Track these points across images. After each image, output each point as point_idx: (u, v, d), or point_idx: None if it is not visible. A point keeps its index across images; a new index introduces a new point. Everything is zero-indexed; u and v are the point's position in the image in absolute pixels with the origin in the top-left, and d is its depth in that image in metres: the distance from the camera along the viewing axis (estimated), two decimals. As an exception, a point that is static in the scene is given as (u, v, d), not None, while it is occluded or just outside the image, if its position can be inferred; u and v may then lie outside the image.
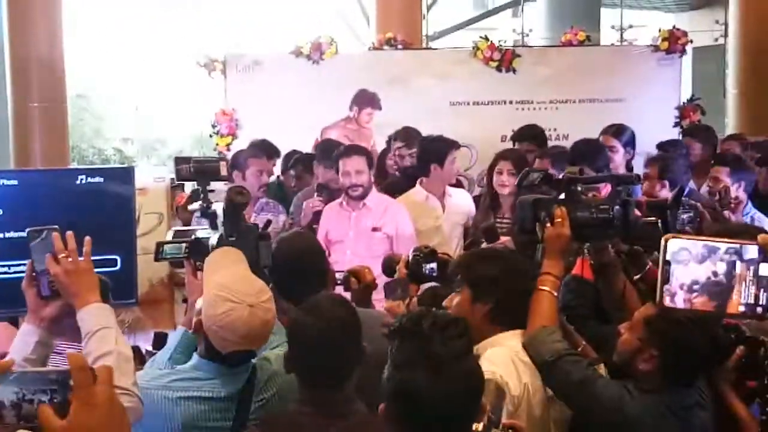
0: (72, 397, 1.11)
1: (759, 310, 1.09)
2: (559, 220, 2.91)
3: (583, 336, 2.96)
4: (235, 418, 2.72)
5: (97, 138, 20.72)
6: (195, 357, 2.83)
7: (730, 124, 10.51)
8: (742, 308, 1.10)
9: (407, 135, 6.45)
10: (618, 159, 6.02)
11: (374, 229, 5.23)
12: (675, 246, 1.11)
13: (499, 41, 7.98)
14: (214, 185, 3.39)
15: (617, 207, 2.95)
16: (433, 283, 3.58)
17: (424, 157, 5.67)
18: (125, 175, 5.12)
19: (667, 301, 1.11)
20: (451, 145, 5.71)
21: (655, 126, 7.77)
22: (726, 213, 4.63)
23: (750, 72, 10.21)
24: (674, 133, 7.83)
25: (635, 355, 2.63)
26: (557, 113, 7.81)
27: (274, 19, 17.43)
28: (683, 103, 8.01)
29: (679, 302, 1.11)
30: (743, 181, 5.08)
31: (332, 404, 2.58)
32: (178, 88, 15.52)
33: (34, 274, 2.48)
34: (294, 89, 7.67)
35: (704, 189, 5.37)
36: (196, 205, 3.25)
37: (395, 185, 6.05)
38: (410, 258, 3.58)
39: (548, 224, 2.91)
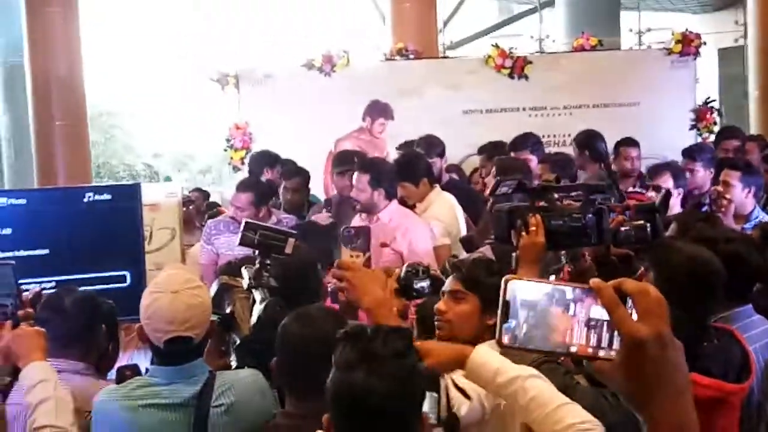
0: None
1: (590, 350, 1.14)
2: (534, 228, 2.91)
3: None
4: (194, 424, 2.75)
5: (128, 154, 20.97)
6: (150, 366, 2.90)
7: (752, 125, 10.39)
8: (574, 349, 1.15)
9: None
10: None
11: (383, 245, 5.16)
12: (514, 287, 1.15)
13: (510, 48, 7.97)
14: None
15: (590, 215, 2.95)
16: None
17: None
18: (132, 192, 5.22)
19: (505, 340, 1.15)
20: None
21: (670, 129, 7.74)
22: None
23: (770, 73, 10.10)
24: (690, 136, 7.79)
25: (570, 357, 2.61)
26: (571, 119, 7.79)
27: (287, 31, 17.53)
28: (699, 105, 7.94)
29: (519, 341, 1.16)
30: (753, 186, 5.03)
31: (317, 416, 2.59)
32: (204, 103, 15.67)
33: None
34: (306, 101, 7.74)
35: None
36: (246, 275, 3.28)
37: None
38: (402, 273, 3.58)
39: (523, 232, 2.91)
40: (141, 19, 18.65)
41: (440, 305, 3.01)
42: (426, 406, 2.33)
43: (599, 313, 1.14)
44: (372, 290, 2.67)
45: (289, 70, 7.92)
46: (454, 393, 2.55)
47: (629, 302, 1.14)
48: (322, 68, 7.76)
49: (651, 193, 4.67)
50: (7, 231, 4.68)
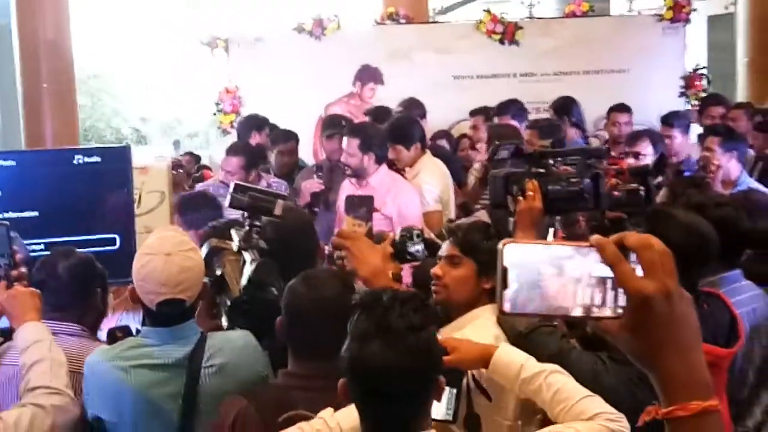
0: None
1: (594, 311, 1.11)
2: (531, 193, 2.92)
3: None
4: (186, 384, 2.77)
5: (116, 118, 20.83)
6: (143, 328, 2.91)
7: (740, 93, 10.40)
8: (579, 310, 1.12)
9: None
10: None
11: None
12: (513, 251, 1.12)
13: (502, 14, 7.93)
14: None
15: (587, 180, 2.96)
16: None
17: None
18: (122, 154, 5.18)
19: (507, 308, 1.12)
20: None
21: (660, 96, 7.75)
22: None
23: (759, 41, 10.08)
24: (680, 103, 7.79)
25: (573, 320, 2.64)
26: (561, 85, 7.78)
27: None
28: (688, 72, 7.94)
29: (520, 307, 1.13)
30: (735, 151, 5.06)
31: (321, 377, 2.61)
32: (193, 66, 15.55)
33: None
34: (296, 66, 7.71)
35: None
36: (236, 237, 3.29)
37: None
38: (397, 237, 3.60)
39: (520, 197, 2.93)
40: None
41: (437, 270, 3.03)
42: (443, 402, 2.36)
43: (602, 270, 1.10)
44: (371, 260, 2.69)
45: (280, 34, 7.87)
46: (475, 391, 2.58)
47: (632, 257, 1.10)
48: (312, 32, 7.73)
49: (630, 160, 4.68)
50: (-3, 193, 4.67)
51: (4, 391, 2.93)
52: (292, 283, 2.72)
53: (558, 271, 1.11)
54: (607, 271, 1.10)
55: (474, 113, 6.91)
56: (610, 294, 1.10)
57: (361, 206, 3.22)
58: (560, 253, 1.12)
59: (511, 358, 2.47)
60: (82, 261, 3.39)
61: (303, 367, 2.63)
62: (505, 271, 1.11)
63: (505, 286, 1.11)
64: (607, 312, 1.11)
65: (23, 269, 2.69)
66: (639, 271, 1.09)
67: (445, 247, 3.05)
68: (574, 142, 6.30)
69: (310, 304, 2.63)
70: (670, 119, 6.09)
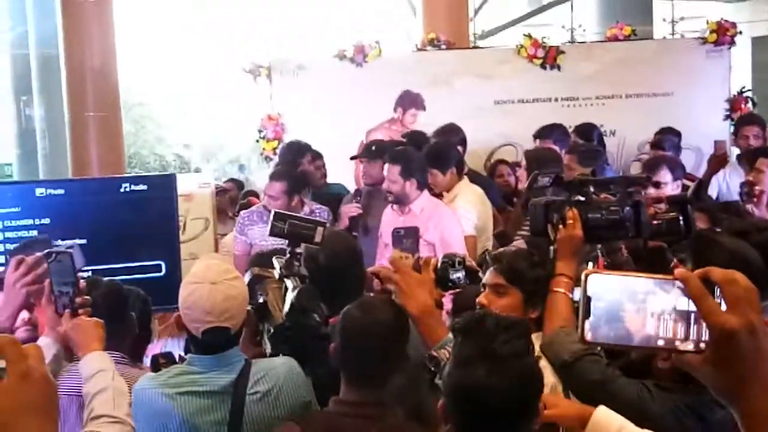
0: (8, 371, 1.15)
1: (677, 343, 1.11)
2: (571, 221, 2.91)
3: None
4: (231, 411, 2.80)
5: (159, 145, 21.08)
6: (188, 355, 2.94)
7: (786, 114, 10.28)
8: (661, 342, 1.11)
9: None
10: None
11: None
12: (596, 281, 1.13)
13: (543, 38, 7.93)
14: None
15: (627, 208, 2.94)
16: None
17: None
18: (168, 182, 5.28)
19: (589, 337, 1.13)
20: None
21: (705, 119, 7.69)
22: (749, 207, 4.56)
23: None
24: (725, 126, 7.72)
25: (654, 353, 2.61)
26: (604, 109, 7.76)
27: (319, 23, 17.54)
28: (733, 95, 7.87)
29: (601, 337, 1.13)
30: None
31: (372, 405, 2.62)
32: (234, 94, 15.74)
33: (53, 293, 2.70)
34: (338, 92, 7.75)
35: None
36: (277, 265, 3.32)
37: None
38: (439, 264, 3.59)
39: (560, 226, 2.91)
40: (173, 9, 18.74)
41: (482, 299, 3.02)
42: None
43: (685, 304, 1.10)
44: (420, 296, 2.69)
45: (321, 61, 7.92)
46: None
47: (717, 292, 1.10)
48: (354, 59, 7.77)
49: (651, 190, 4.62)
50: (46, 221, 4.77)
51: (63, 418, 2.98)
52: (347, 309, 2.74)
53: (640, 303, 1.11)
54: (690, 305, 1.10)
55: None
56: (693, 328, 1.11)
57: (408, 238, 3.22)
58: (643, 285, 1.12)
59: (609, 419, 2.45)
60: (111, 289, 3.45)
61: (354, 394, 2.64)
62: (588, 300, 1.12)
63: (587, 315, 1.12)
64: (690, 346, 1.11)
65: (87, 297, 2.72)
66: (723, 306, 1.09)
67: (490, 276, 3.04)
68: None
69: (364, 329, 2.65)
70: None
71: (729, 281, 1.10)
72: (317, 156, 6.64)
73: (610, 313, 1.11)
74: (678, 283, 1.11)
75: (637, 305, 1.11)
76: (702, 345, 1.10)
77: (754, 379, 1.09)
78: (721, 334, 1.07)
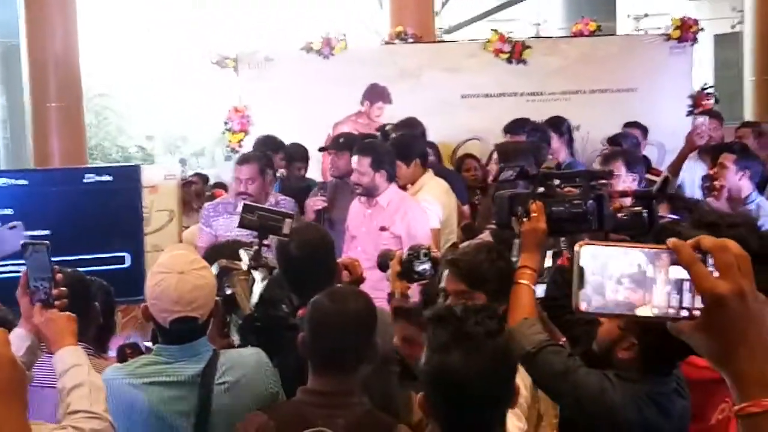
0: None
1: (670, 311, 1.13)
2: (535, 214, 2.94)
3: (565, 325, 2.98)
4: (198, 402, 2.79)
5: (121, 136, 20.87)
6: (156, 346, 2.93)
7: (747, 111, 10.43)
8: (655, 311, 1.13)
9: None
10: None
11: (382, 229, 5.13)
12: (589, 252, 1.14)
13: (509, 33, 7.97)
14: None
15: (591, 201, 2.98)
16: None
17: None
18: (133, 173, 5.24)
19: (583, 307, 1.14)
20: None
21: (668, 115, 7.77)
22: (710, 200, 4.63)
23: (766, 59, 10.12)
24: (687, 122, 7.80)
25: (615, 343, 2.64)
26: (569, 104, 7.79)
27: (286, 15, 17.46)
28: (696, 91, 7.96)
29: (595, 307, 1.14)
30: (749, 170, 5.05)
31: (339, 394, 2.63)
32: (199, 85, 15.62)
33: (29, 287, 2.65)
34: (305, 85, 7.72)
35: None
36: (245, 256, 3.31)
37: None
38: (405, 256, 3.61)
39: (524, 219, 2.94)
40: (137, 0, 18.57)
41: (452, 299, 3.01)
42: None
43: (678, 273, 1.12)
44: None
45: (289, 53, 7.89)
46: None
47: (710, 260, 1.12)
48: (321, 51, 7.75)
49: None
50: (8, 211, 4.71)
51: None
52: (316, 298, 2.76)
53: (634, 273, 1.13)
54: (683, 273, 1.12)
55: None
56: (686, 296, 1.13)
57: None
58: (636, 255, 1.13)
59: None
60: (71, 278, 3.41)
61: (323, 383, 2.65)
62: (581, 270, 1.13)
63: (581, 286, 1.13)
64: (684, 313, 1.13)
65: (64, 288, 2.68)
66: (716, 273, 1.11)
67: (451, 282, 3.03)
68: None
69: (334, 317, 2.67)
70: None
71: (720, 248, 1.12)
72: (295, 157, 6.61)
73: (602, 283, 1.13)
74: (671, 252, 1.12)
75: (629, 275, 1.12)
76: (696, 312, 1.12)
77: (743, 343, 1.11)
78: (711, 299, 1.10)
